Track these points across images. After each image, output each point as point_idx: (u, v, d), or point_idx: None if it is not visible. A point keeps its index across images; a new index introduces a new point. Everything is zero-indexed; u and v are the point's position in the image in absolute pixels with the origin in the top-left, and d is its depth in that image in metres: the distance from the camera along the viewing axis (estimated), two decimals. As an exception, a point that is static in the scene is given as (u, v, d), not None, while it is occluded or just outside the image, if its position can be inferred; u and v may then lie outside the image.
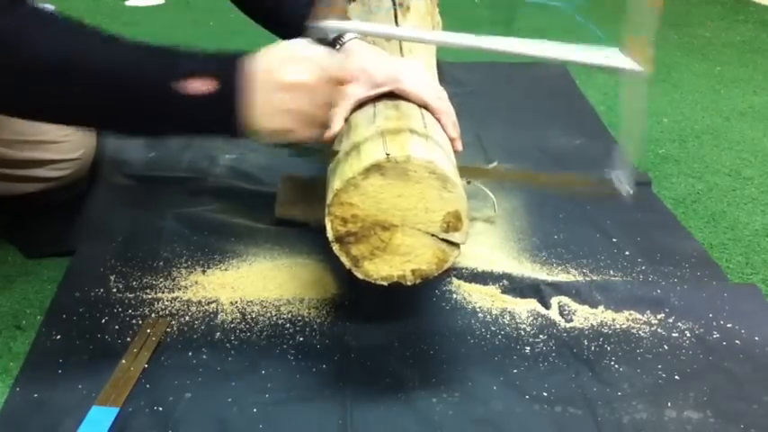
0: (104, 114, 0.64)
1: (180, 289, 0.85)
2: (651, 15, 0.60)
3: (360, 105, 0.80)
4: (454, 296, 0.86)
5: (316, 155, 0.78)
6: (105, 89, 0.61)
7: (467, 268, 0.90)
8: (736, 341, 0.81)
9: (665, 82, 1.61)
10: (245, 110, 0.62)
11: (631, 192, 0.72)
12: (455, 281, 0.88)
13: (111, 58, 0.61)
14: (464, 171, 0.73)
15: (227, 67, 0.62)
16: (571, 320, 0.83)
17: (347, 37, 0.84)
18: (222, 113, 0.62)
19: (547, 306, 0.85)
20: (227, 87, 0.61)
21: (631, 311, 0.84)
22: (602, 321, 0.83)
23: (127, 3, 2.09)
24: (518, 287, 0.87)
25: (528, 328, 0.81)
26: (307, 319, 0.81)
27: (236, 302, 0.83)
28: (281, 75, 0.62)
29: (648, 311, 0.84)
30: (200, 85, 0.61)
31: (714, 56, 1.79)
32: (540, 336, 0.80)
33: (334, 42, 0.74)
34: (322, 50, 0.66)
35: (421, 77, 0.82)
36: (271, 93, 0.62)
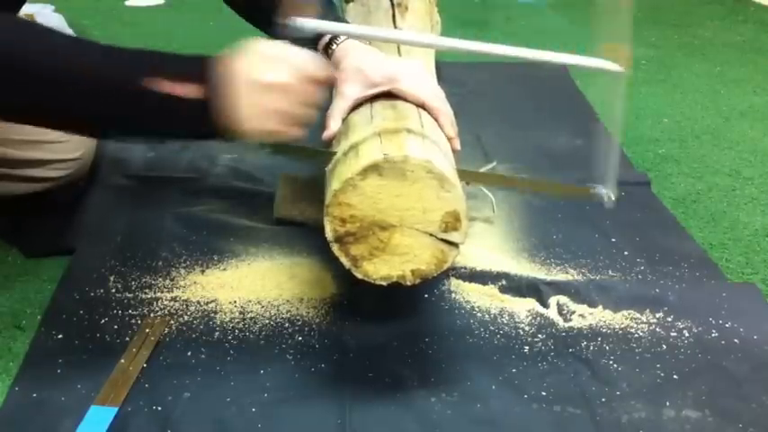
0: (84, 116, 0.63)
1: (179, 289, 0.85)
2: (624, 15, 0.61)
3: (357, 106, 0.81)
4: (453, 296, 0.86)
5: (299, 154, 0.78)
6: (83, 89, 0.61)
7: (465, 268, 0.90)
8: (735, 340, 0.81)
9: (665, 82, 1.61)
10: (227, 112, 0.62)
11: (614, 198, 0.74)
12: (454, 280, 0.88)
13: (89, 57, 0.61)
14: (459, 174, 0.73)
15: (210, 69, 0.62)
16: (570, 320, 0.83)
17: (342, 37, 0.85)
18: (205, 115, 0.62)
19: (545, 305, 0.85)
20: (209, 89, 0.61)
21: (630, 311, 0.84)
22: (600, 321, 0.83)
23: (127, 3, 2.09)
24: (517, 287, 0.87)
25: (527, 328, 0.81)
26: (306, 319, 0.81)
27: (235, 302, 0.83)
28: (261, 76, 0.62)
29: (647, 311, 0.84)
30: (184, 88, 0.61)
31: (714, 56, 1.79)
32: (539, 335, 0.80)
33: (313, 41, 0.74)
34: (300, 50, 0.66)
35: (418, 77, 0.82)
36: (252, 94, 0.62)
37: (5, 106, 0.63)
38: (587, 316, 0.83)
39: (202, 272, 0.89)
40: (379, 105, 0.79)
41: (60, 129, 0.74)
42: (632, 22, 0.63)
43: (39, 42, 0.61)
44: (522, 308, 0.85)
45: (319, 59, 0.66)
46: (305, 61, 0.65)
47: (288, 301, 0.84)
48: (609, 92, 0.68)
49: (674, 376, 0.75)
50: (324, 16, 0.75)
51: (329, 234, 0.67)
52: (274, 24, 0.69)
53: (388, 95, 0.80)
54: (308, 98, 0.65)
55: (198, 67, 0.62)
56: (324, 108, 0.71)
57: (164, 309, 0.82)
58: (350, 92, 0.81)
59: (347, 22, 0.92)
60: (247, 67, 0.62)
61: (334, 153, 0.75)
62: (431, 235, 0.67)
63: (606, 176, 0.73)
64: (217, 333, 0.79)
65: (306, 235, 0.94)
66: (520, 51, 0.69)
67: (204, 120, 0.62)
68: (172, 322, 0.80)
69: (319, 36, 0.86)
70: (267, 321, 0.81)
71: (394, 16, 1.14)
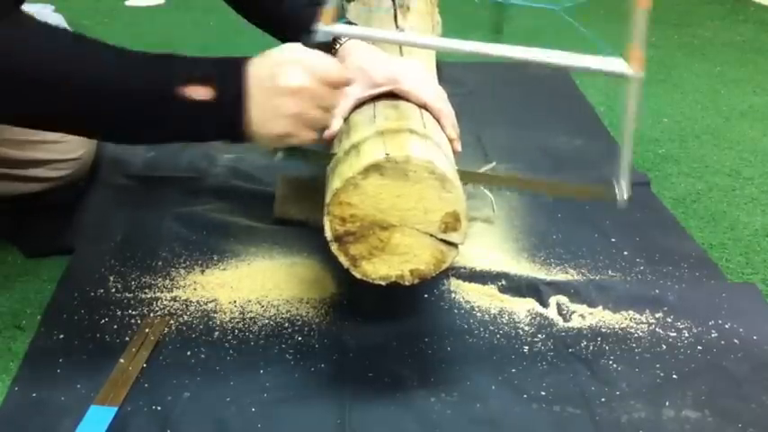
0: (102, 122, 0.64)
1: (179, 289, 0.85)
2: (642, 18, 0.60)
3: (359, 105, 0.81)
4: (452, 296, 0.86)
5: (312, 158, 0.79)
6: (103, 97, 0.61)
7: (465, 268, 0.90)
8: (735, 340, 0.81)
9: (665, 82, 1.61)
10: (244, 115, 0.62)
11: (626, 199, 0.72)
12: (453, 280, 0.88)
13: (109, 67, 0.62)
14: (462, 175, 0.73)
15: (226, 73, 0.62)
16: (569, 320, 0.83)
17: (345, 37, 0.85)
18: (222, 119, 0.62)
19: (545, 305, 0.85)
20: (226, 93, 0.62)
21: (630, 311, 0.84)
22: (600, 321, 0.83)
23: (127, 3, 2.09)
24: (516, 287, 0.87)
25: (526, 328, 0.81)
26: (305, 319, 0.81)
27: (235, 302, 0.83)
28: (278, 80, 0.62)
29: (647, 311, 0.84)
30: (199, 91, 0.61)
31: (714, 56, 1.79)
32: (539, 335, 0.80)
33: (330, 45, 0.74)
34: (318, 54, 0.66)
35: (420, 78, 0.82)
36: (269, 98, 0.62)
37: (17, 116, 0.64)
38: (587, 316, 0.83)
39: (202, 272, 0.89)
40: (381, 105, 0.79)
41: (80, 135, 0.75)
42: (648, 26, 0.61)
43: (54, 50, 0.61)
44: (522, 308, 0.85)
45: (335, 62, 0.67)
46: (321, 64, 0.65)
47: (288, 301, 0.84)
48: (623, 94, 0.66)
49: (674, 376, 0.75)
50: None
51: (328, 233, 0.67)
52: (303, 32, 0.69)
53: (391, 95, 0.80)
54: (323, 101, 0.65)
55: (218, 70, 0.62)
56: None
57: (163, 309, 0.82)
58: (352, 91, 0.81)
59: (352, 23, 0.92)
60: (266, 72, 0.63)
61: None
62: (431, 235, 0.67)
63: (620, 177, 0.72)
64: (217, 333, 0.79)
65: (306, 235, 0.94)
66: (535, 54, 0.67)
67: (219, 124, 0.63)
68: (172, 322, 0.80)
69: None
70: (267, 321, 0.81)
71: (395, 16, 1.14)
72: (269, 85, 0.62)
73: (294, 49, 0.65)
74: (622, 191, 0.72)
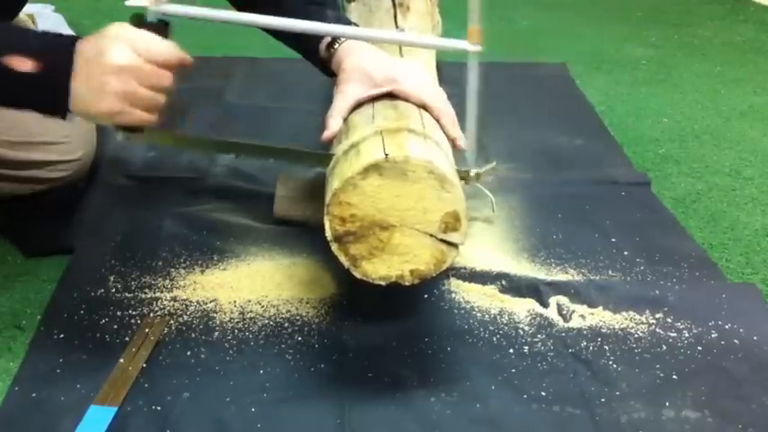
0: None
1: (179, 288, 0.85)
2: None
3: (359, 106, 0.81)
4: (453, 296, 0.86)
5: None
6: None
7: (465, 268, 0.90)
8: (735, 341, 0.81)
9: (665, 82, 1.61)
10: (69, 90, 0.63)
11: (481, 171, 0.85)
12: (453, 280, 0.88)
13: None
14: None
15: (53, 47, 0.63)
16: (569, 320, 0.83)
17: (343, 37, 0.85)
18: (45, 92, 0.63)
19: (545, 306, 0.85)
20: (50, 67, 0.63)
21: (630, 311, 0.84)
22: (600, 321, 0.83)
23: (127, 3, 2.09)
24: (516, 287, 0.87)
25: (526, 328, 0.81)
26: (305, 319, 0.81)
27: (235, 302, 0.83)
28: (104, 57, 0.63)
29: (647, 311, 0.84)
30: (25, 64, 0.62)
31: (714, 56, 1.79)
32: (539, 335, 0.80)
33: (164, 26, 0.74)
34: (146, 34, 0.66)
35: (420, 78, 0.82)
36: (95, 75, 0.63)
37: None
38: (587, 316, 0.83)
39: (202, 272, 0.89)
40: (380, 105, 0.79)
41: None
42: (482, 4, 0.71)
43: None
44: (522, 308, 0.85)
45: (167, 42, 0.67)
46: (149, 43, 0.65)
47: (288, 301, 0.84)
48: (467, 70, 0.73)
49: (674, 376, 0.75)
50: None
51: (329, 233, 0.67)
52: (132, 15, 0.70)
53: (390, 96, 0.80)
54: (152, 80, 0.65)
55: (41, 45, 0.64)
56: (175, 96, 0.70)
57: (163, 309, 0.82)
58: (351, 92, 0.81)
59: (352, 22, 0.92)
60: (94, 49, 0.63)
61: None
62: (431, 235, 0.67)
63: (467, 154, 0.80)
64: (216, 333, 0.79)
65: (306, 235, 0.94)
66: (383, 34, 0.78)
67: (43, 97, 0.64)
68: (171, 322, 0.80)
69: (320, 37, 0.86)
70: (267, 321, 0.81)
71: (395, 16, 1.14)
72: (94, 61, 0.63)
73: (125, 29, 0.66)
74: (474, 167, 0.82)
